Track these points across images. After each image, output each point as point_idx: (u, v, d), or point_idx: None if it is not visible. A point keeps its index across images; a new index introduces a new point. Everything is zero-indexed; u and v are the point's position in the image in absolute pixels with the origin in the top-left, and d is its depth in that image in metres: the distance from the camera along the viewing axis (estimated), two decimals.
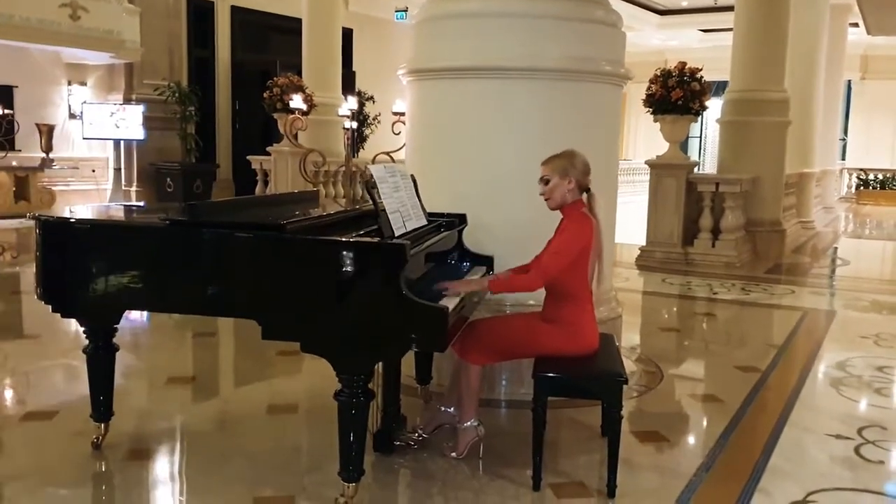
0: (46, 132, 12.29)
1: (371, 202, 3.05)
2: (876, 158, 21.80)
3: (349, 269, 2.75)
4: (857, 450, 3.63)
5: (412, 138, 4.54)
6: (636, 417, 4.02)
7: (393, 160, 4.38)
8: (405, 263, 2.74)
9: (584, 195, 3.31)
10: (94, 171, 13.41)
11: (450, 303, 2.91)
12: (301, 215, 3.26)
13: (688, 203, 9.15)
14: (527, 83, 4.10)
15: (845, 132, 21.74)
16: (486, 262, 3.84)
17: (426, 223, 3.46)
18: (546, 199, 3.29)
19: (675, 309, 7.15)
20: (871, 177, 21.58)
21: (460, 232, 3.87)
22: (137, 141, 12.99)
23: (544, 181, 3.27)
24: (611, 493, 3.07)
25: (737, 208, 9.18)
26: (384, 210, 3.02)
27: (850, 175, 22.03)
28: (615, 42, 4.44)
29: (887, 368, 5.06)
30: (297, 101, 4.90)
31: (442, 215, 3.77)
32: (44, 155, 12.23)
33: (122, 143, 13.15)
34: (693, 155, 22.05)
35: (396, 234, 2.99)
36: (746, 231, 9.57)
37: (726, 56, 10.17)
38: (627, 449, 3.40)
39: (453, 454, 3.37)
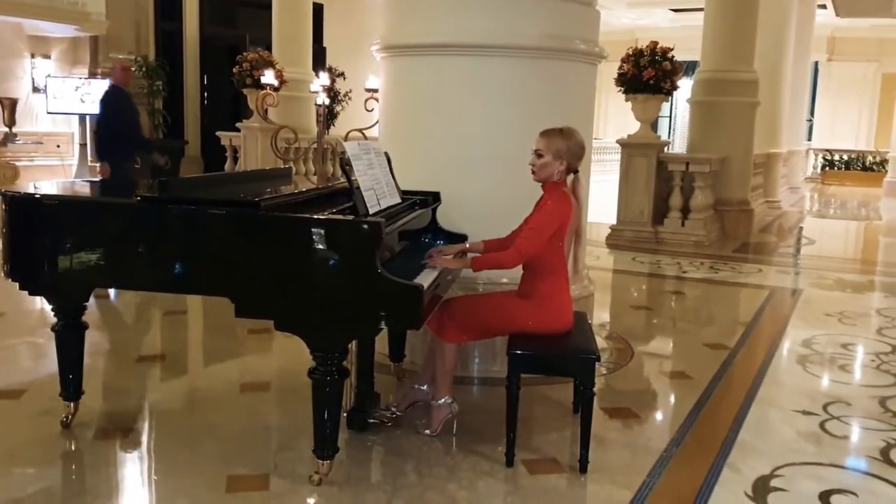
0: (9, 106, 11.99)
1: (345, 179, 3.03)
2: (841, 139, 22.10)
3: (323, 246, 2.73)
4: (822, 425, 3.71)
5: (386, 115, 4.51)
6: (607, 394, 4.07)
7: (366, 137, 4.34)
8: (380, 241, 2.73)
9: (571, 176, 3.31)
10: (59, 146, 13.14)
11: (424, 281, 2.91)
12: (275, 192, 3.23)
13: (658, 182, 9.22)
14: (501, 60, 4.09)
15: (812, 113, 21.98)
16: (461, 240, 3.83)
17: (400, 201, 3.45)
18: (532, 171, 3.29)
19: (644, 287, 7.22)
20: (837, 157, 21.88)
21: (434, 210, 3.87)
22: None
23: (537, 154, 3.26)
24: (583, 468, 3.10)
25: (706, 188, 9.27)
26: (358, 188, 3.01)
27: (816, 155, 22.32)
28: (589, 21, 4.43)
29: (851, 345, 5.16)
30: (268, 77, 4.83)
31: (416, 193, 3.76)
32: (6, 129, 11.95)
33: (87, 117, 12.90)
34: (663, 135, 22.17)
35: (371, 212, 2.98)
36: (715, 210, 9.67)
37: (697, 36, 10.22)
38: (599, 425, 3.44)
39: (427, 431, 3.39)
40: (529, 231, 3.22)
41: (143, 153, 8.28)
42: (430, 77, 4.21)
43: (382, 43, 4.39)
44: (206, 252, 2.88)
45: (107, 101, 7.81)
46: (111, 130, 7.79)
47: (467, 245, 3.57)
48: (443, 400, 3.38)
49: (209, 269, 2.89)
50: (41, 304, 5.21)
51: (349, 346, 3.02)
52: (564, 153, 3.23)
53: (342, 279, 2.75)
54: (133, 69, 7.74)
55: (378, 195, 3.18)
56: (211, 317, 5.54)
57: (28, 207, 3.12)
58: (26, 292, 3.24)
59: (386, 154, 3.56)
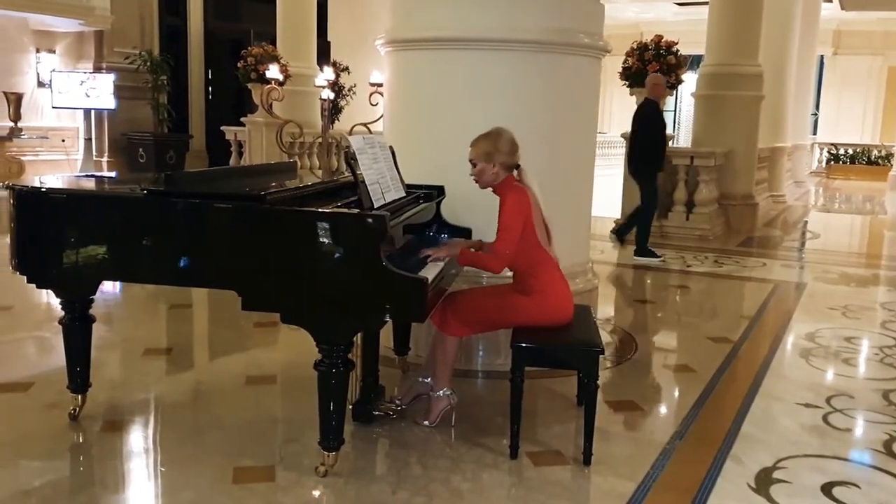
0: (14, 101, 12.04)
1: (350, 173, 3.05)
2: (846, 133, 22.02)
3: (329, 240, 2.75)
4: (825, 418, 3.72)
5: (390, 109, 4.52)
6: (611, 387, 4.08)
7: (370, 131, 4.36)
8: (385, 234, 2.75)
9: (515, 171, 3.33)
10: (63, 140, 13.19)
11: (429, 274, 2.93)
12: (280, 186, 3.25)
13: (663, 176, 9.19)
14: (506, 54, 4.09)
15: (817, 107, 21.91)
16: (465, 233, 3.85)
17: (405, 195, 3.47)
18: (476, 181, 3.32)
19: (649, 281, 7.22)
20: (842, 151, 21.81)
21: (438, 204, 3.88)
22: (108, 110, 12.80)
23: (472, 164, 3.30)
24: (587, 460, 3.12)
25: (710, 182, 9.26)
26: (363, 181, 3.02)
27: (821, 149, 22.25)
28: (594, 14, 4.44)
29: (855, 339, 5.17)
30: (273, 72, 4.86)
31: (420, 187, 3.77)
32: (12, 124, 11.99)
33: (92, 112, 12.95)
34: (667, 128, 22.13)
35: (376, 206, 2.99)
36: (720, 204, 9.66)
37: (701, 30, 10.20)
38: (602, 418, 3.46)
39: (425, 422, 3.42)
40: (501, 233, 3.23)
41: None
42: (434, 71, 4.22)
43: (387, 37, 4.40)
44: (213, 246, 2.90)
45: (644, 115, 7.84)
46: (643, 144, 7.83)
47: (479, 242, 3.57)
48: (442, 392, 3.41)
49: (216, 262, 2.91)
50: (48, 297, 5.24)
51: (354, 338, 3.04)
52: (494, 154, 3.26)
53: (347, 272, 2.77)
54: (660, 84, 7.90)
55: (383, 189, 3.20)
56: (217, 310, 5.57)
57: (36, 202, 3.14)
58: (34, 286, 3.27)
59: (391, 148, 3.58)
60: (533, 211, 3.27)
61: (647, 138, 7.79)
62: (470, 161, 3.31)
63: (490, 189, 3.35)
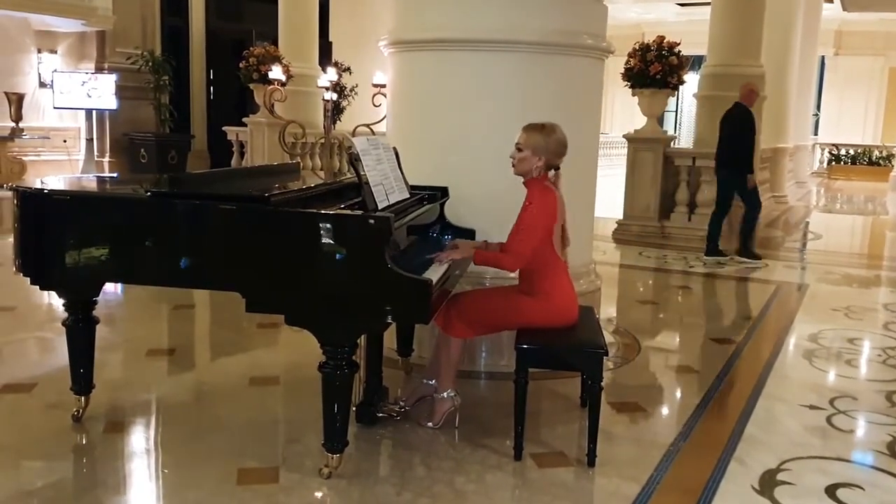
0: (16, 101, 12.03)
1: (354, 174, 3.05)
2: (848, 134, 22.02)
3: (334, 241, 2.75)
4: (829, 420, 3.72)
5: (394, 110, 4.52)
6: (614, 388, 4.08)
7: (373, 132, 4.35)
8: (390, 236, 2.75)
9: (552, 172, 3.32)
10: (65, 141, 13.18)
11: (433, 275, 2.93)
12: (284, 188, 3.25)
13: (665, 177, 9.21)
14: (510, 56, 4.10)
15: (818, 107, 21.90)
16: (468, 235, 3.85)
17: (409, 196, 3.46)
18: (513, 164, 3.31)
19: (651, 282, 7.23)
20: (843, 152, 21.81)
21: (442, 205, 3.88)
22: (110, 111, 12.79)
23: (517, 147, 3.28)
24: (591, 462, 3.12)
25: (713, 182, 9.22)
26: (367, 183, 3.02)
27: (823, 150, 22.25)
28: (597, 15, 4.44)
29: (857, 340, 5.17)
30: (276, 72, 4.85)
31: (424, 188, 3.77)
32: (13, 124, 11.99)
33: (94, 112, 12.94)
34: (669, 129, 22.14)
35: (380, 207, 2.99)
36: None
37: (703, 30, 10.18)
38: (606, 419, 3.45)
39: (429, 424, 3.42)
40: (522, 233, 3.22)
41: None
42: (438, 72, 4.22)
43: (391, 38, 4.40)
44: (217, 247, 2.90)
45: (737, 119, 7.83)
46: (732, 146, 7.81)
47: (486, 244, 3.56)
48: (446, 393, 3.41)
49: (220, 263, 2.91)
50: (50, 297, 5.24)
51: (358, 340, 3.04)
52: (542, 150, 3.24)
53: (352, 274, 2.77)
54: (755, 91, 7.98)
55: (387, 190, 3.20)
56: (219, 311, 5.57)
57: (40, 203, 3.14)
58: (37, 287, 3.27)
59: (394, 149, 3.57)
60: (557, 215, 3.27)
61: (741, 142, 7.77)
62: (517, 145, 3.27)
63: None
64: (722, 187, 7.97)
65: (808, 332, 5.29)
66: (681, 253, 8.25)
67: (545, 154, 3.25)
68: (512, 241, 3.26)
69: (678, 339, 5.47)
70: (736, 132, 7.75)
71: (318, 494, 2.89)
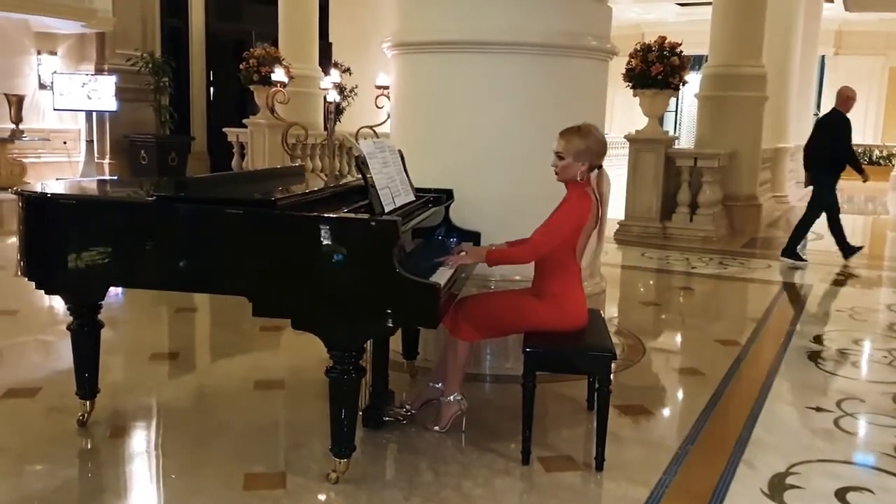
0: (16, 103, 12.02)
1: (360, 177, 3.03)
2: None
3: (341, 245, 2.74)
4: (836, 422, 3.70)
5: (398, 112, 4.50)
6: (619, 391, 4.03)
7: (376, 134, 4.35)
8: (397, 239, 2.73)
9: (594, 172, 3.29)
10: (65, 142, 13.17)
11: (441, 279, 2.91)
12: (290, 191, 3.23)
13: (666, 178, 9.20)
14: (514, 58, 4.07)
15: (819, 107, 21.88)
16: (474, 237, 3.83)
17: (414, 199, 3.45)
18: (556, 172, 3.26)
19: (653, 283, 7.22)
20: None
21: (447, 208, 3.87)
22: (110, 112, 12.78)
23: (558, 156, 3.23)
24: (599, 466, 3.10)
25: (714, 183, 9.24)
26: (374, 186, 3.00)
27: None
28: (602, 17, 4.42)
29: (862, 341, 5.15)
30: (278, 74, 4.85)
31: (429, 191, 3.76)
32: (13, 126, 11.98)
33: (94, 114, 12.92)
34: (669, 129, 22.13)
35: (386, 210, 2.98)
36: (723, 205, 9.65)
37: (703, 30, 10.18)
38: (613, 422, 3.42)
39: (436, 427, 3.40)
40: (547, 228, 3.21)
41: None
42: (442, 74, 4.20)
43: (394, 40, 4.38)
44: (223, 251, 2.88)
45: (833, 125, 7.97)
46: (834, 151, 7.92)
47: (492, 246, 3.54)
48: (452, 396, 3.39)
49: (226, 268, 2.89)
50: (53, 301, 5.22)
51: (365, 344, 3.02)
52: (584, 153, 3.20)
53: (359, 278, 2.75)
54: (852, 97, 8.10)
55: (393, 193, 3.18)
56: (222, 314, 5.55)
57: (44, 207, 3.12)
58: (42, 291, 3.25)
59: (400, 152, 3.56)
60: (589, 222, 3.25)
61: (841, 145, 7.85)
62: (557, 153, 3.22)
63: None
64: (822, 189, 8.03)
65: (813, 333, 5.28)
66: (683, 254, 8.24)
67: (588, 157, 3.20)
68: (535, 234, 3.24)
69: (682, 341, 5.45)
70: (837, 136, 7.83)
71: (326, 499, 2.87)
